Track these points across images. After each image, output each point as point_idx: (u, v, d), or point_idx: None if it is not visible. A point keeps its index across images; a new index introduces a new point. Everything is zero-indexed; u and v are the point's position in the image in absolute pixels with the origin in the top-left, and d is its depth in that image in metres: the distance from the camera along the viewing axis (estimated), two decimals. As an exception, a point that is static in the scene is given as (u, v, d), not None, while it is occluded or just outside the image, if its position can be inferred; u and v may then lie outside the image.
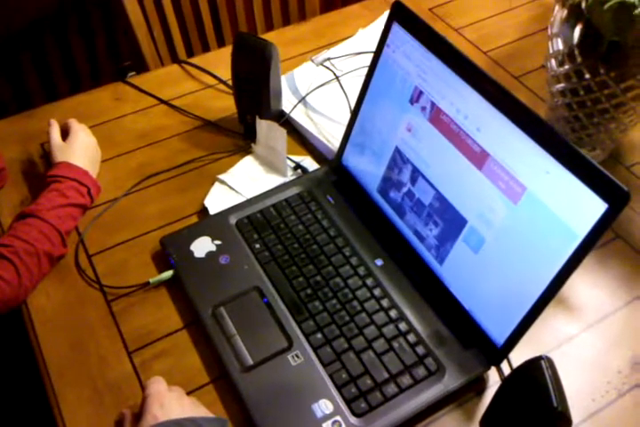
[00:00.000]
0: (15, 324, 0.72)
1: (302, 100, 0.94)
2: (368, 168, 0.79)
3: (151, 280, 0.74)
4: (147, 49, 1.16)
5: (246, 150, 0.90)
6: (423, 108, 0.68)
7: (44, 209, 0.74)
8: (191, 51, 1.24)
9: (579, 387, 0.67)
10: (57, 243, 0.74)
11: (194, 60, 1.03)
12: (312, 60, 1.01)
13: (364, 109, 0.78)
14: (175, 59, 1.17)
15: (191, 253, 0.75)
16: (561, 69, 0.75)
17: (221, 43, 1.26)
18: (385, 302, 0.71)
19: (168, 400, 0.60)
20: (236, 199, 0.82)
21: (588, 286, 0.75)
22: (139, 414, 0.59)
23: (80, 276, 0.76)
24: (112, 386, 0.67)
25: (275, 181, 0.85)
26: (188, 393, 0.64)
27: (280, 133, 0.82)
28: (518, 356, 0.62)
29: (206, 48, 1.25)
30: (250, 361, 0.66)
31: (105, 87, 1.00)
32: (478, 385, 0.67)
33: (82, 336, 0.71)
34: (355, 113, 0.79)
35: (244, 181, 0.85)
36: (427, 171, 0.69)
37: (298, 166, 0.87)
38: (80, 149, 0.83)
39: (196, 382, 0.67)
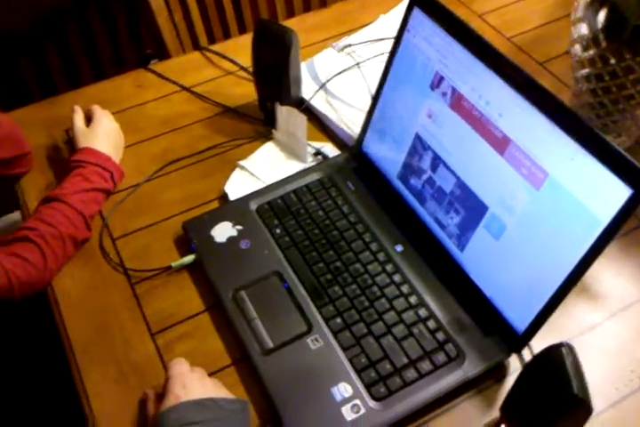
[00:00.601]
0: (41, 306, 0.74)
1: (322, 86, 0.94)
2: (388, 155, 0.79)
3: (173, 264, 0.75)
4: (168, 36, 1.16)
5: (267, 137, 0.90)
6: (444, 94, 0.67)
7: (68, 193, 0.75)
8: (212, 38, 1.24)
9: (601, 375, 0.66)
10: (81, 227, 0.75)
11: (215, 47, 1.03)
12: (333, 47, 1.01)
13: (385, 95, 0.77)
14: (196, 46, 1.17)
15: (212, 237, 0.76)
16: (585, 54, 0.74)
17: (242, 29, 1.26)
18: (405, 288, 0.71)
19: (190, 381, 0.61)
20: (257, 185, 0.83)
21: (611, 275, 0.75)
22: (162, 395, 0.61)
23: (104, 259, 0.77)
24: (136, 367, 0.68)
25: (295, 167, 0.86)
26: (210, 375, 0.65)
27: (300, 120, 0.82)
28: (540, 344, 0.62)
29: (227, 35, 1.25)
30: (270, 344, 0.67)
31: (127, 74, 1.00)
32: (499, 372, 0.67)
33: (106, 318, 0.72)
34: (375, 99, 0.79)
35: (265, 167, 0.86)
36: (448, 157, 0.69)
37: (318, 153, 0.87)
38: (103, 135, 0.84)
39: (217, 365, 0.68)
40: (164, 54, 1.18)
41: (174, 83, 0.98)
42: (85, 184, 0.77)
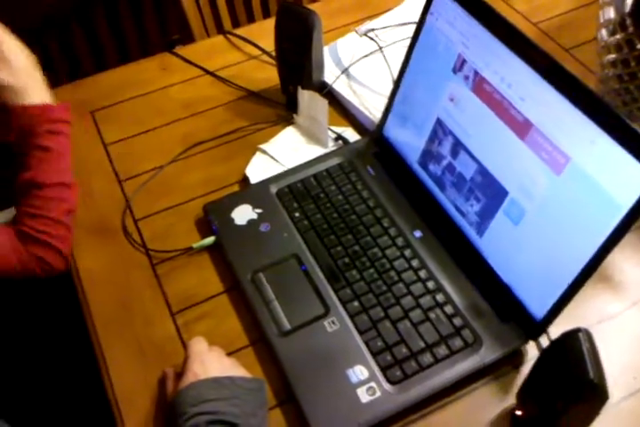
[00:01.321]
0: (66, 284, 0.75)
1: (345, 71, 0.94)
2: (409, 140, 0.79)
3: (194, 245, 0.76)
4: (193, 20, 1.17)
5: (288, 121, 0.90)
6: (466, 77, 0.66)
7: (39, 173, 0.71)
8: (237, 21, 1.25)
9: (620, 365, 0.66)
10: (68, 195, 0.73)
11: (239, 31, 1.04)
12: (356, 31, 1.00)
13: (407, 79, 0.77)
14: (221, 30, 1.17)
15: (232, 220, 0.77)
16: (612, 39, 0.72)
17: (267, 14, 1.26)
18: (422, 274, 0.71)
19: (208, 359, 0.62)
20: (277, 169, 0.83)
21: (633, 264, 0.74)
22: (180, 373, 0.62)
23: (127, 240, 0.78)
24: (156, 345, 0.69)
25: (315, 151, 0.86)
26: (228, 355, 0.66)
27: (321, 104, 0.82)
28: (558, 332, 0.61)
29: (251, 19, 1.25)
30: (287, 326, 0.68)
31: (152, 58, 1.01)
32: (516, 359, 0.67)
33: (128, 298, 0.73)
34: (397, 83, 0.78)
35: (285, 151, 0.86)
36: (468, 141, 0.69)
37: (339, 137, 0.87)
38: (23, 73, 0.71)
39: (235, 345, 0.69)
40: (189, 39, 1.18)
41: (198, 67, 0.99)
42: (45, 154, 0.71)
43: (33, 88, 0.73)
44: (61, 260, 0.72)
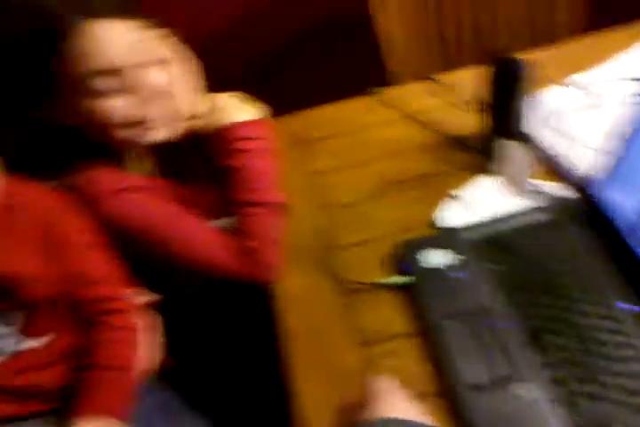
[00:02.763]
0: (263, 302, 0.80)
1: (551, 122, 0.91)
2: (628, 204, 0.73)
3: (387, 281, 0.77)
4: (394, 66, 1.21)
5: (484, 169, 0.89)
6: None
7: (236, 192, 0.76)
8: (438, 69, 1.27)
9: None
10: (267, 214, 0.78)
11: (441, 77, 1.05)
12: (565, 83, 0.98)
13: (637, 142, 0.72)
14: (422, 76, 1.20)
15: (426, 262, 0.77)
16: None
17: (468, 61, 1.27)
18: (631, 352, 0.65)
19: (395, 398, 0.61)
20: (470, 217, 0.82)
21: None
22: (363, 405, 0.61)
23: (324, 268, 0.82)
24: (342, 374, 0.71)
25: (513, 203, 0.83)
26: (410, 399, 0.66)
27: (523, 155, 0.81)
28: None
29: (450, 66, 1.27)
30: (476, 381, 0.65)
31: (355, 99, 1.06)
32: None
33: (320, 324, 0.77)
34: (624, 143, 0.74)
35: (480, 200, 0.85)
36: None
37: (539, 191, 0.84)
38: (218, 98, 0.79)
39: (417, 389, 0.67)
40: (391, 82, 1.22)
41: (399, 109, 1.02)
42: (238, 174, 0.75)
43: (229, 110, 0.77)
44: (269, 272, 0.78)
